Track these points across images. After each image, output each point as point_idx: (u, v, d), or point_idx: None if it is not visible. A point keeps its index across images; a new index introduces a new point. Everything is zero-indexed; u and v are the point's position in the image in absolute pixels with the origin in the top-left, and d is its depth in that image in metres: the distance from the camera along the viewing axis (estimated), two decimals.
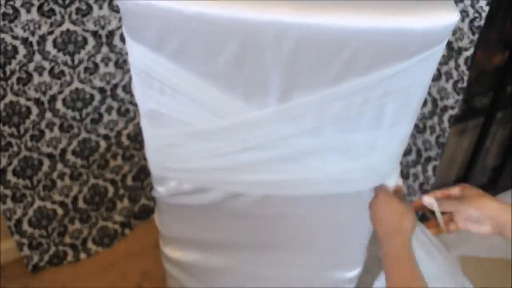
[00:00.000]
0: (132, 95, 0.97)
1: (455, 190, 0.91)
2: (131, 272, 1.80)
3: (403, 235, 0.86)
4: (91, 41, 1.49)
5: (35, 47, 1.40)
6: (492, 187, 2.20)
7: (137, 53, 0.86)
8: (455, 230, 0.90)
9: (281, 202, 1.07)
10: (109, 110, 1.67)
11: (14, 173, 1.57)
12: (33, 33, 1.37)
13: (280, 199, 1.07)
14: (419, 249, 0.90)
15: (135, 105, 0.99)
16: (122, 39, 1.52)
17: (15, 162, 1.55)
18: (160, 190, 1.12)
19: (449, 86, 1.43)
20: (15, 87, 1.43)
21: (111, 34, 1.52)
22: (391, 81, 0.83)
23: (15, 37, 1.35)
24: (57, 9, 1.37)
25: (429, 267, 0.90)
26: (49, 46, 1.42)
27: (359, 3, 0.77)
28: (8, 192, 1.59)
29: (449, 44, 1.37)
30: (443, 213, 0.91)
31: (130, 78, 0.95)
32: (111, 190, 1.86)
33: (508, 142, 2.12)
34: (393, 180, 1.00)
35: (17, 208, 1.64)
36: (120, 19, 1.43)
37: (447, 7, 0.78)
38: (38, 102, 1.50)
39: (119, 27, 1.51)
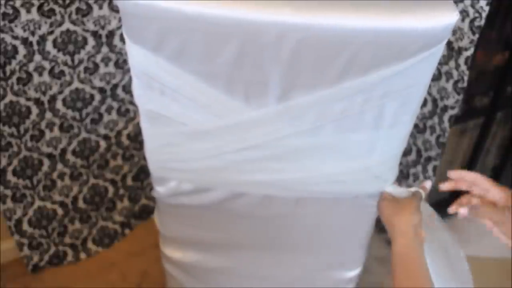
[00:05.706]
0: (132, 95, 0.97)
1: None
2: (131, 272, 1.80)
3: (403, 236, 0.86)
4: (91, 41, 1.49)
5: (35, 47, 1.40)
6: None
7: (136, 55, 0.86)
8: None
9: (281, 202, 1.07)
10: (109, 110, 1.67)
11: (14, 173, 1.57)
12: (33, 33, 1.37)
13: (280, 199, 1.07)
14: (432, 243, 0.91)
15: (135, 105, 0.99)
16: (122, 39, 1.52)
17: (15, 162, 1.55)
18: (159, 190, 1.12)
19: (449, 86, 1.43)
20: (15, 87, 1.43)
21: (111, 34, 1.52)
22: (390, 81, 0.83)
23: (15, 37, 1.35)
24: (57, 9, 1.37)
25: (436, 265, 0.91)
26: (49, 46, 1.42)
27: (359, 4, 0.77)
28: (8, 192, 1.59)
29: (449, 44, 1.37)
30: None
31: (130, 78, 0.95)
32: (111, 190, 1.86)
33: (508, 142, 2.12)
34: (391, 183, 1.00)
35: (17, 208, 1.64)
36: (120, 19, 1.43)
37: (447, 7, 0.79)
38: (38, 102, 1.50)
39: (119, 27, 1.51)
